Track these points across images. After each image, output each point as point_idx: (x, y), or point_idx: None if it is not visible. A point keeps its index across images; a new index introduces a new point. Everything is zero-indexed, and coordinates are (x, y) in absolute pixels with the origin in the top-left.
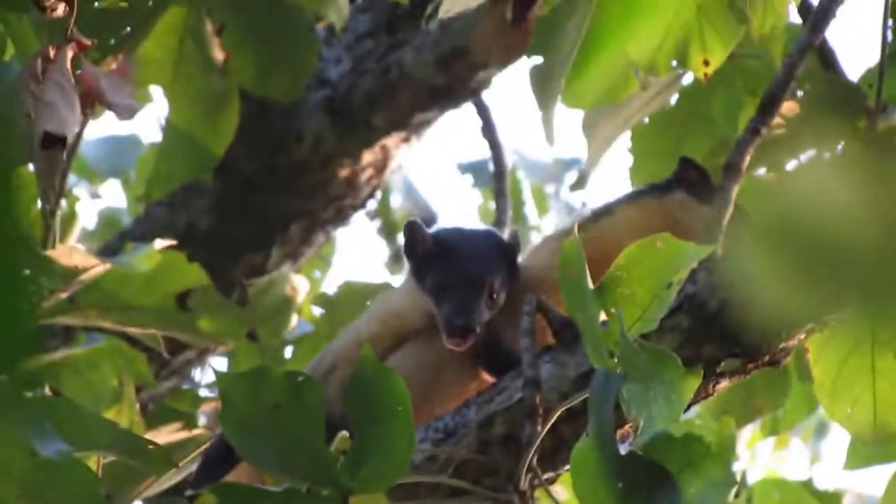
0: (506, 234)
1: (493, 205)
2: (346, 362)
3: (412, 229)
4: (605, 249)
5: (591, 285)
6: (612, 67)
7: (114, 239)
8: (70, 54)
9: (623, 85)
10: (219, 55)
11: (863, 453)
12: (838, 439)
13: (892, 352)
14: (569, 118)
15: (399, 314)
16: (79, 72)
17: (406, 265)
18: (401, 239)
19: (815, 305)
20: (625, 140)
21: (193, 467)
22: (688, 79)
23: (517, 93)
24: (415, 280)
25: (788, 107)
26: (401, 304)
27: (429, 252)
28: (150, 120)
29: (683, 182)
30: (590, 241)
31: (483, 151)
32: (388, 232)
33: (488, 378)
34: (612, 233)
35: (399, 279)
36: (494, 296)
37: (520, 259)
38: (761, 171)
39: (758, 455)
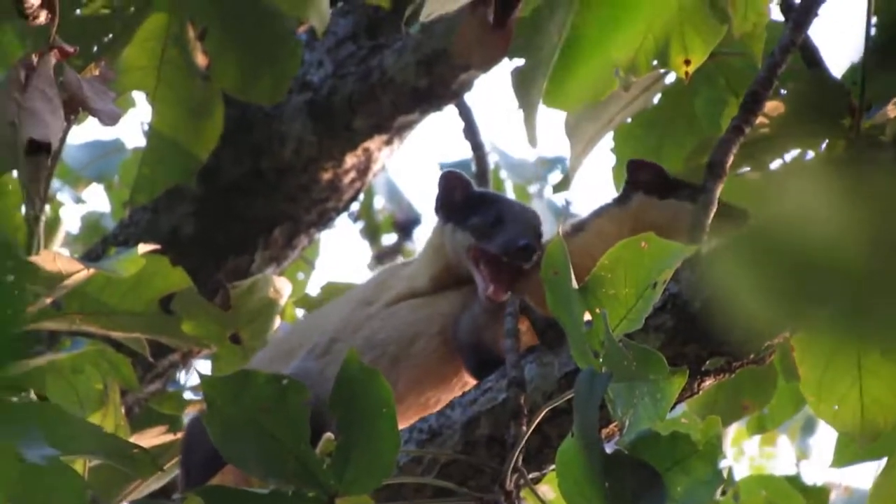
0: None
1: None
2: (351, 331)
3: (449, 178)
4: (581, 264)
5: (575, 286)
6: (594, 68)
7: (97, 244)
8: (53, 61)
9: (605, 85)
10: (202, 60)
11: (850, 450)
12: (825, 436)
13: (877, 349)
14: (551, 118)
15: (412, 277)
16: (62, 79)
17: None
18: (385, 240)
19: (798, 307)
20: (608, 140)
21: (178, 471)
22: (670, 78)
23: (499, 92)
24: (452, 225)
25: (772, 105)
26: (416, 268)
27: (471, 198)
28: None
29: (638, 185)
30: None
31: (466, 152)
32: (371, 233)
33: (469, 380)
34: (587, 248)
35: None
36: (540, 238)
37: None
38: (745, 169)
39: (744, 452)
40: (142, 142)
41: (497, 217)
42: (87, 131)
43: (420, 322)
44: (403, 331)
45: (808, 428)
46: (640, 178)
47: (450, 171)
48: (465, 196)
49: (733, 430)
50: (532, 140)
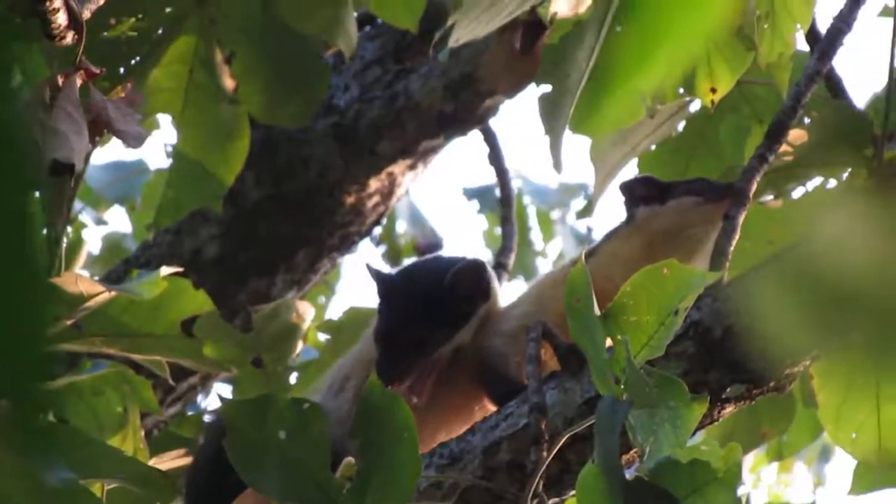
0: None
1: (499, 230)
2: (363, 367)
3: (368, 273)
4: (598, 289)
5: (597, 312)
6: (622, 96)
7: (119, 265)
8: (79, 82)
9: (632, 113)
10: (229, 83)
11: (868, 478)
12: (842, 463)
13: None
14: (575, 143)
15: None
16: (87, 100)
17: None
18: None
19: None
20: (632, 167)
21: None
22: (695, 106)
23: (524, 118)
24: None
25: (796, 134)
26: None
27: (381, 294)
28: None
29: (637, 201)
30: None
31: (489, 176)
32: (393, 258)
33: (491, 406)
34: (601, 271)
35: None
36: (429, 342)
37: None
38: (768, 197)
39: (762, 479)
40: (165, 163)
41: (376, 331)
42: (109, 152)
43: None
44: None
45: (825, 455)
46: (636, 194)
47: (366, 265)
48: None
49: (751, 457)
50: (558, 166)
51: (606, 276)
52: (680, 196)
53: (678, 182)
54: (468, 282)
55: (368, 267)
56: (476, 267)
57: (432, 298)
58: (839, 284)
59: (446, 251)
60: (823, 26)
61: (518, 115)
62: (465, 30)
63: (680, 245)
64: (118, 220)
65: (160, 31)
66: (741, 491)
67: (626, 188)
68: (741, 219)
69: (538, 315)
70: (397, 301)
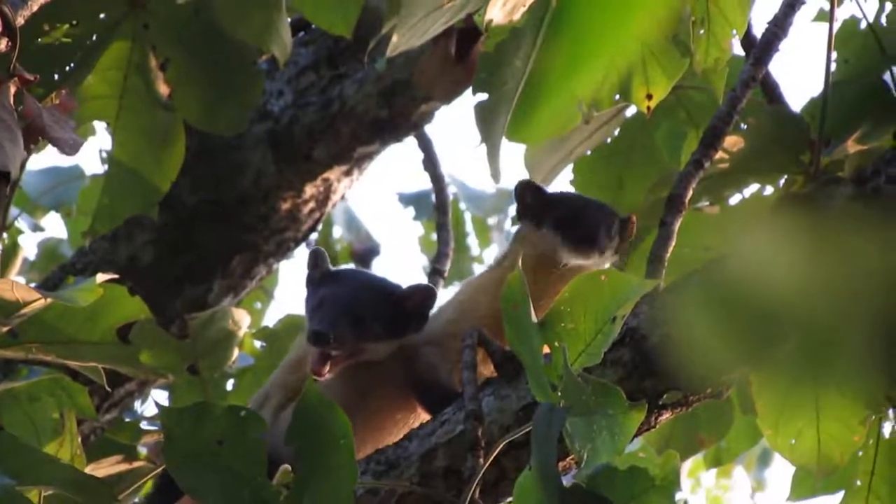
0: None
1: (435, 236)
2: (278, 388)
3: (316, 257)
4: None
5: (534, 320)
6: (558, 103)
7: (55, 271)
8: (13, 89)
9: (568, 120)
10: (163, 90)
11: (808, 484)
12: (781, 468)
13: (833, 386)
14: (511, 149)
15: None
16: (22, 107)
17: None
18: None
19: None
20: (567, 172)
21: (134, 500)
22: (630, 111)
23: (460, 123)
24: (305, 296)
25: (731, 140)
26: None
27: (324, 276)
28: (93, 151)
29: (526, 208)
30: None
31: (425, 182)
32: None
33: (424, 414)
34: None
35: None
36: (365, 326)
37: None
38: (704, 203)
39: (701, 484)
40: (101, 169)
41: (320, 301)
42: (45, 158)
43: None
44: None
45: (764, 459)
46: (525, 201)
47: (316, 249)
48: (321, 274)
49: (690, 462)
50: (495, 175)
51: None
52: (551, 224)
53: (563, 199)
54: (419, 301)
55: (317, 251)
56: (430, 293)
57: (385, 294)
58: (770, 296)
59: (382, 256)
60: (759, 31)
61: (453, 120)
62: (402, 39)
63: (544, 274)
64: (54, 226)
65: (94, 38)
66: (678, 497)
67: (517, 193)
68: (677, 225)
69: (463, 321)
70: (352, 282)
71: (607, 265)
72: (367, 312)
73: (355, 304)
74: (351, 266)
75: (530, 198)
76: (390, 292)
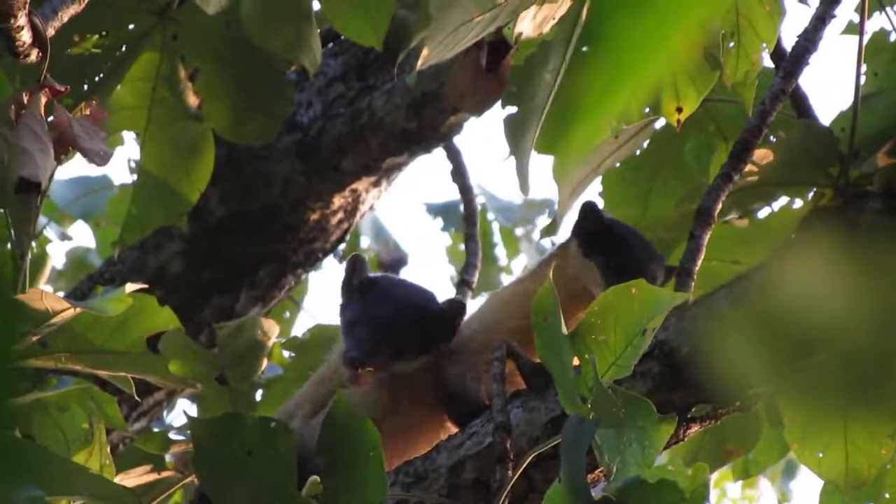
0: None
1: (463, 247)
2: (309, 401)
3: (355, 263)
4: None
5: (564, 332)
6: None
7: (83, 281)
8: (43, 100)
9: (598, 133)
10: (192, 101)
11: (836, 497)
12: (807, 479)
13: (861, 399)
14: (540, 160)
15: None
16: (52, 118)
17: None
18: None
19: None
20: (596, 185)
21: None
22: (659, 123)
23: (489, 134)
24: (340, 305)
25: (761, 153)
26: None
27: (361, 284)
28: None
29: (580, 231)
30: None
31: (453, 192)
32: None
33: (453, 427)
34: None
35: None
36: (399, 349)
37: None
38: (732, 216)
39: (727, 494)
40: (129, 178)
41: (356, 319)
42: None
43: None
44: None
45: (789, 471)
46: (585, 225)
47: (355, 255)
48: (359, 282)
49: (716, 473)
50: (524, 188)
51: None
52: (599, 262)
53: (619, 237)
54: (451, 315)
55: (357, 258)
56: (462, 309)
57: (421, 313)
58: (798, 309)
59: (410, 267)
60: (789, 45)
61: (483, 131)
62: (433, 52)
63: (568, 295)
64: (82, 235)
65: (123, 49)
66: None
67: (584, 213)
68: (706, 238)
69: (491, 333)
70: (389, 299)
71: None
72: (402, 335)
73: (391, 327)
74: (387, 275)
75: (591, 222)
76: (426, 311)
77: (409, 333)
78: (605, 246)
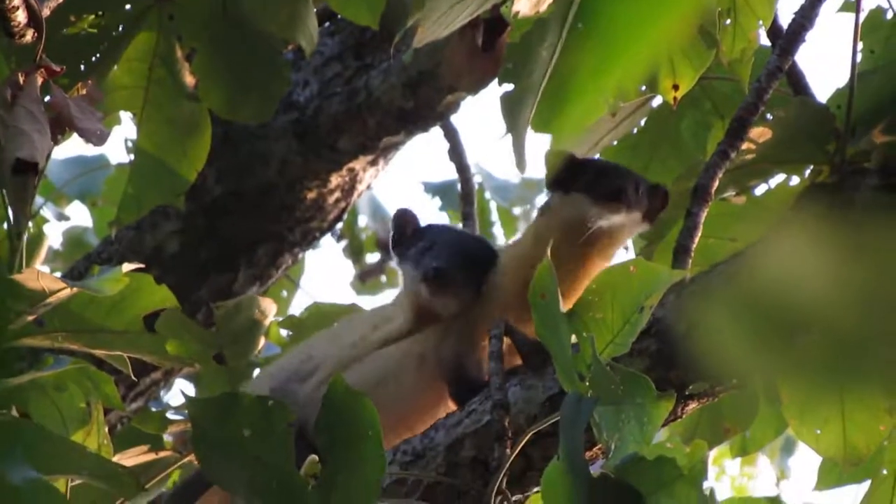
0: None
1: (460, 226)
2: (331, 363)
3: (404, 215)
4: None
5: (562, 310)
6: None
7: (80, 261)
8: (40, 80)
9: (594, 111)
10: (189, 80)
11: (834, 473)
12: (805, 456)
13: (859, 376)
14: (537, 139)
15: (388, 318)
16: (48, 98)
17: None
18: (369, 259)
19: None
20: None
21: (162, 489)
22: (656, 101)
23: (485, 113)
24: (397, 258)
25: (757, 131)
26: (393, 309)
27: (416, 232)
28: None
29: (557, 181)
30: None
31: (451, 172)
32: (354, 252)
33: (451, 405)
34: (526, 257)
35: (364, 299)
36: (472, 273)
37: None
38: (730, 193)
39: (725, 471)
40: (126, 158)
41: (429, 244)
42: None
43: (394, 364)
44: (381, 375)
45: (788, 448)
46: (557, 173)
47: (400, 209)
48: (413, 231)
49: (715, 450)
50: (521, 165)
51: (529, 262)
52: (580, 187)
53: (591, 163)
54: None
55: (406, 210)
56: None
57: (489, 247)
58: (794, 287)
59: None
60: (785, 22)
61: (479, 110)
62: (428, 30)
63: (577, 243)
64: (79, 215)
65: (120, 28)
66: (705, 486)
67: (549, 163)
68: (703, 216)
69: (483, 312)
70: (458, 234)
71: (638, 230)
72: (472, 262)
73: (465, 252)
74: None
75: (561, 166)
76: (488, 246)
77: (475, 262)
78: (581, 178)
